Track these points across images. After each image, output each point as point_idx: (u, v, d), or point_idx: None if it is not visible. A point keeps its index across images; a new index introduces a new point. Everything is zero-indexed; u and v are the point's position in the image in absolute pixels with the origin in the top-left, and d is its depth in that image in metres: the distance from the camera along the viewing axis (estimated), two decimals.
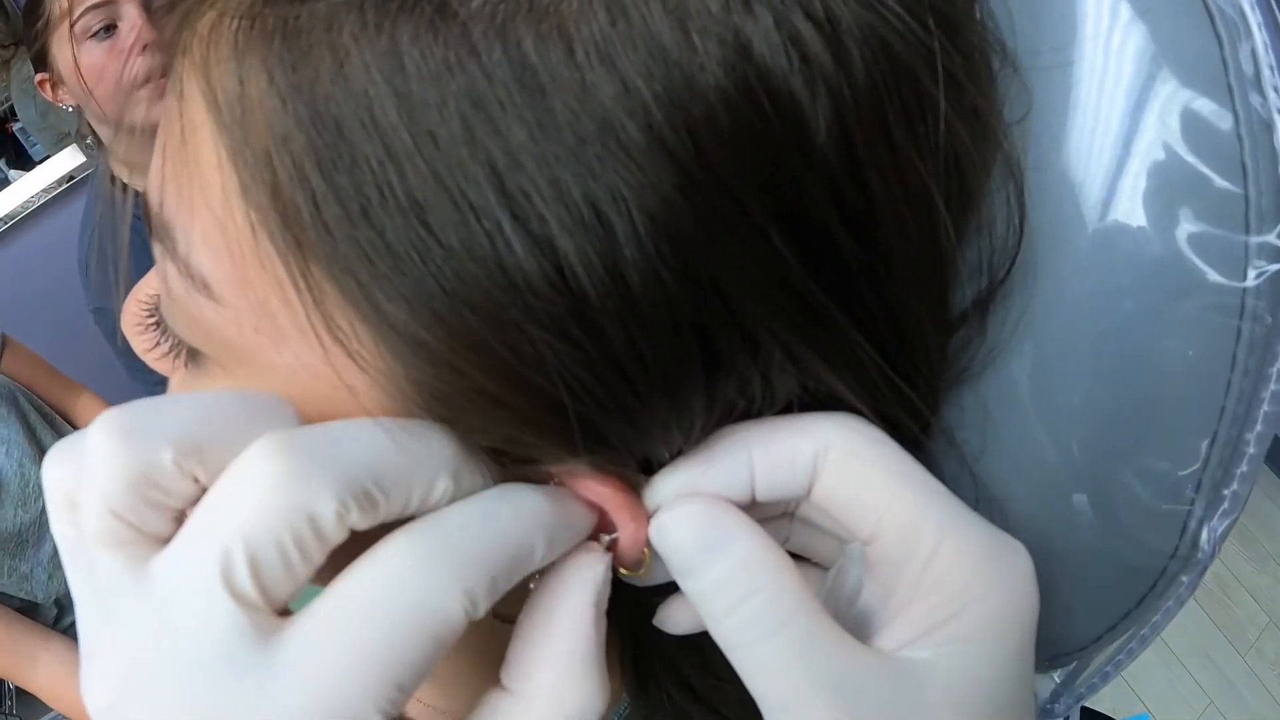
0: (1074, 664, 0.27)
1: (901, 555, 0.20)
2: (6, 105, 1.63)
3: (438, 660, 0.18)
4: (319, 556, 0.18)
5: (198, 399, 0.20)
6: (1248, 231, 0.20)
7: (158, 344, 0.24)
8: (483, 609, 0.19)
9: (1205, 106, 0.20)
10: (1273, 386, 0.21)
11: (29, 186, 1.70)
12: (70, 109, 1.13)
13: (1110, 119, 0.21)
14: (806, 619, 0.19)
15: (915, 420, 0.22)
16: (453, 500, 0.20)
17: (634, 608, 0.25)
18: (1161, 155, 0.20)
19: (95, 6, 1.02)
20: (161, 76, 0.22)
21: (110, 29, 1.04)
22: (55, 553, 1.07)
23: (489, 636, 0.24)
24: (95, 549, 0.19)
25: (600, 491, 0.21)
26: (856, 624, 0.21)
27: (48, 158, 1.71)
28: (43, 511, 1.08)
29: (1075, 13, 0.21)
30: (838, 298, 0.19)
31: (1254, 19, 0.20)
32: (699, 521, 0.21)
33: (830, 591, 0.22)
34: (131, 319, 0.26)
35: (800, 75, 0.17)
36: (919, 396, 0.22)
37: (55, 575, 1.10)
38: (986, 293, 0.22)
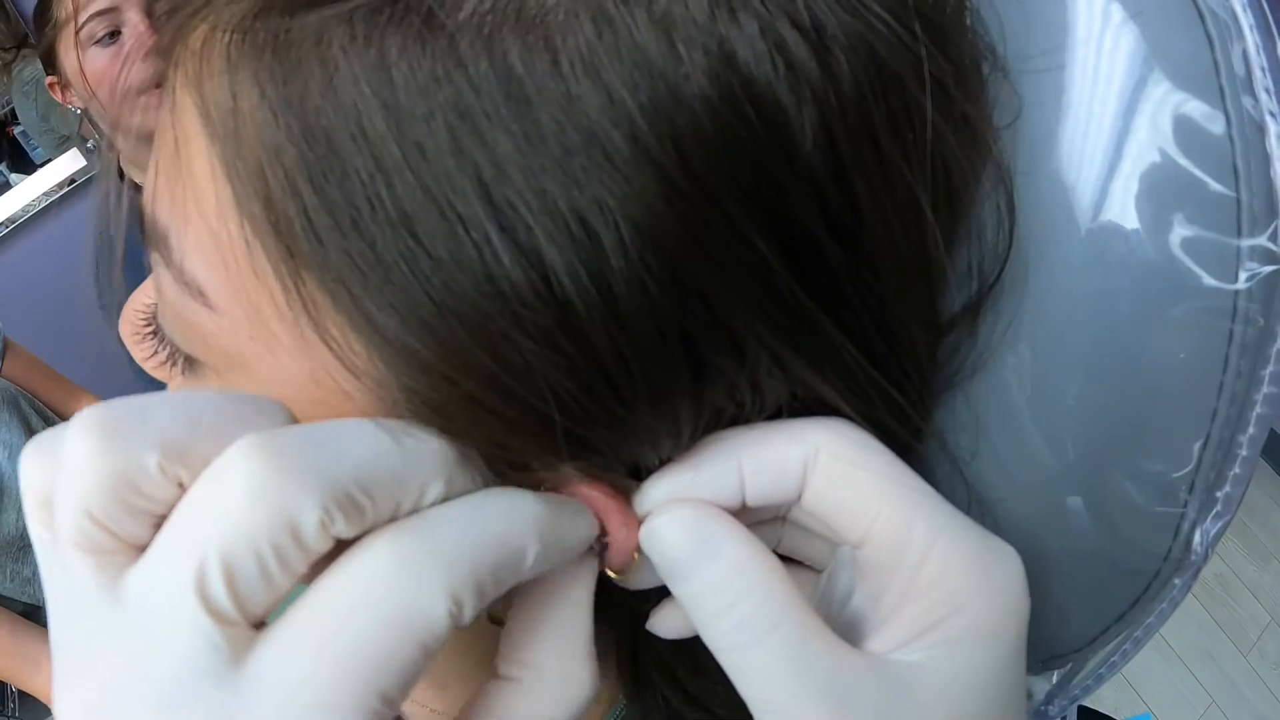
0: (1069, 665, 0.27)
1: (892, 559, 0.20)
2: (7, 108, 1.64)
3: (424, 667, 0.18)
4: (300, 567, 0.17)
5: (184, 398, 0.19)
6: (1240, 234, 0.20)
7: (155, 352, 0.24)
8: (469, 614, 0.18)
9: (1197, 109, 0.20)
10: (1265, 389, 0.21)
11: (30, 190, 1.71)
12: (78, 111, 1.14)
13: (1102, 121, 0.21)
14: (796, 623, 0.19)
15: (905, 425, 0.22)
16: None
17: (630, 610, 0.25)
18: (1153, 158, 0.20)
19: (100, 13, 1.03)
20: (157, 86, 0.22)
21: (114, 35, 1.05)
22: None
23: (488, 634, 0.24)
24: (70, 554, 0.18)
25: (590, 496, 0.21)
26: (847, 627, 0.21)
27: (48, 161, 1.71)
28: None
29: (1066, 16, 0.21)
30: (825, 305, 0.19)
31: (1245, 20, 0.20)
32: (688, 527, 0.21)
33: (822, 595, 0.22)
34: (129, 327, 0.26)
35: (786, 83, 0.17)
36: (909, 401, 0.22)
37: None
38: (977, 297, 0.22)
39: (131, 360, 0.97)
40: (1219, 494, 0.22)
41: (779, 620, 0.19)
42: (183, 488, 0.18)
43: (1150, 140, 0.20)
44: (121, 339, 0.91)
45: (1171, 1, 0.20)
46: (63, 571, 0.18)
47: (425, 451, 0.19)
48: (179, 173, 0.20)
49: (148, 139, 0.22)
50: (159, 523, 0.18)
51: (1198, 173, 0.20)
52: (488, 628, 0.23)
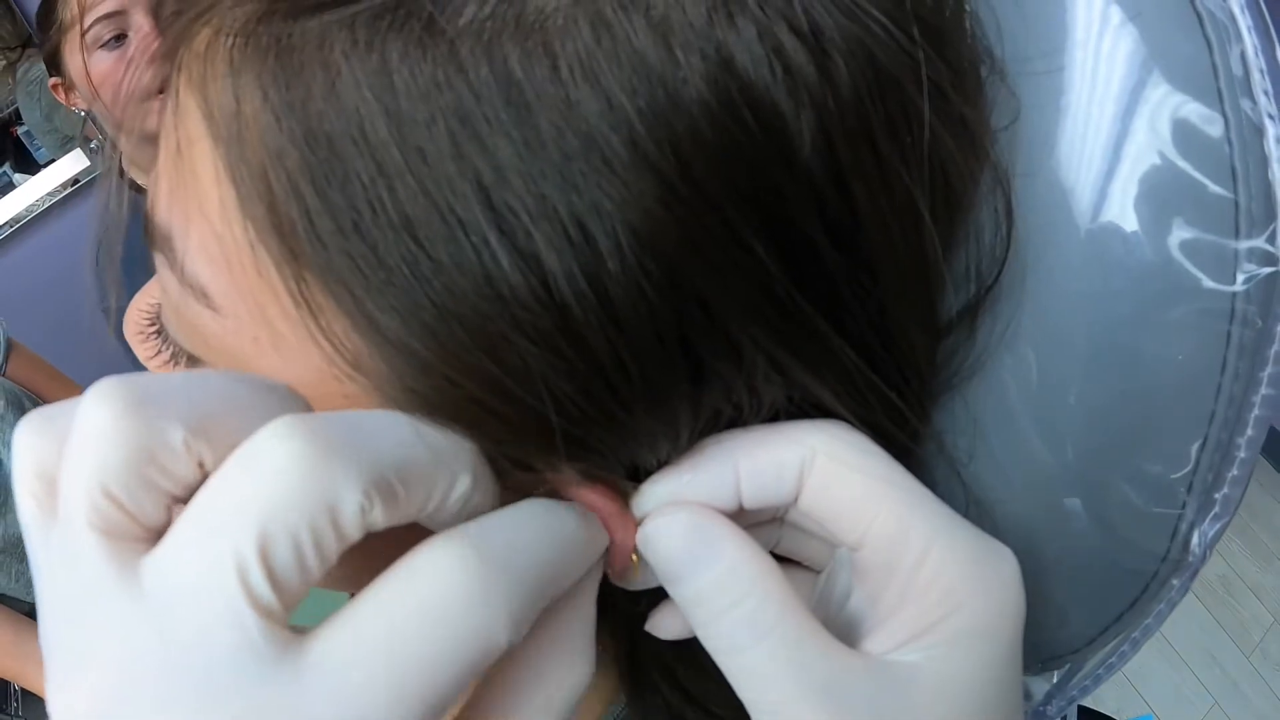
0: (1068, 666, 0.27)
1: (889, 560, 0.20)
2: (11, 109, 1.64)
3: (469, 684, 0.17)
4: (334, 557, 0.16)
5: (207, 376, 0.18)
6: (1238, 236, 0.20)
7: (159, 351, 0.24)
8: (521, 636, 0.18)
9: (1196, 111, 0.20)
10: (1263, 391, 0.21)
11: (33, 190, 1.71)
12: (82, 113, 1.15)
13: (1101, 124, 0.21)
14: (793, 624, 0.19)
15: (903, 428, 0.22)
16: (467, 505, 0.19)
17: (629, 610, 0.25)
18: (1152, 160, 0.20)
19: (107, 16, 1.03)
20: (161, 91, 0.22)
21: (121, 38, 1.05)
22: None
23: None
24: (80, 535, 0.16)
25: (588, 498, 0.21)
26: (845, 628, 0.21)
27: (52, 161, 1.71)
28: None
29: (1065, 18, 0.21)
30: (823, 308, 0.19)
31: (1244, 22, 0.20)
32: (685, 530, 0.21)
33: (820, 596, 0.22)
34: (134, 326, 0.26)
35: (784, 87, 0.18)
36: (907, 404, 0.22)
37: None
38: (975, 299, 0.22)
39: (133, 360, 0.98)
40: (1217, 495, 0.22)
41: (776, 622, 0.19)
42: (203, 468, 0.17)
43: (1149, 142, 0.20)
44: (123, 339, 0.91)
45: (1170, 4, 0.20)
46: (64, 553, 0.16)
47: (452, 445, 0.19)
48: (183, 174, 0.20)
49: (151, 141, 0.22)
50: (172, 506, 0.17)
51: (1196, 175, 0.20)
52: None
